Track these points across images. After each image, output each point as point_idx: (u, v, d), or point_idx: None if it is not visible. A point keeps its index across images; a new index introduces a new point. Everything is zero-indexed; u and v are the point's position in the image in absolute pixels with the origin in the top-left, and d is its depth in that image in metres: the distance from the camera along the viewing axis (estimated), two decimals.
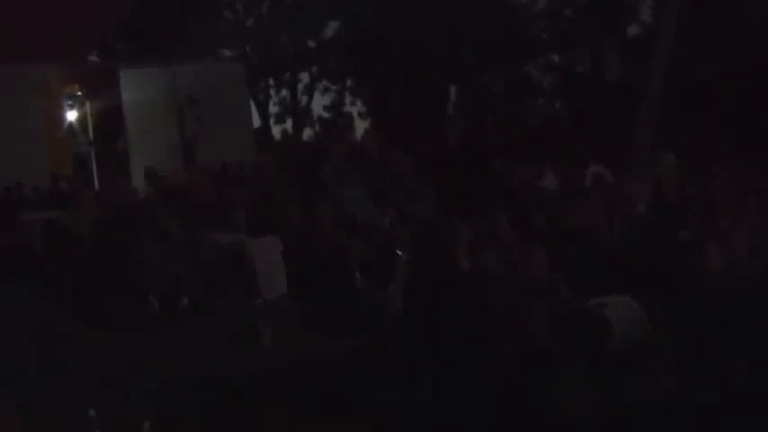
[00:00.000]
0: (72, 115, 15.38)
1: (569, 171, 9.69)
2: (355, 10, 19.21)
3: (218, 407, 4.87)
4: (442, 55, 18.92)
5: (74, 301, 6.46)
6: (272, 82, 24.55)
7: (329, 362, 5.51)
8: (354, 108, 24.85)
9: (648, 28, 18.02)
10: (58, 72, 14.34)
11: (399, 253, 6.86)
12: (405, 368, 5.07)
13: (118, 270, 7.43)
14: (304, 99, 25.01)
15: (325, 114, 25.97)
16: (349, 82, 24.08)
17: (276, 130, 25.36)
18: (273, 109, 24.99)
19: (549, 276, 5.44)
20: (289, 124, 25.51)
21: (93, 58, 18.81)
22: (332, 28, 22.71)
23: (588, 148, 12.13)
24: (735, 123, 13.69)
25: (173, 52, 18.79)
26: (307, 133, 26.01)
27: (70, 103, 15.19)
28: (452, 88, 20.70)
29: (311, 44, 23.28)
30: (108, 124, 15.31)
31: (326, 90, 24.71)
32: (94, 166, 15.53)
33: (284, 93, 24.86)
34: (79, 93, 15.19)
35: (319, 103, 26.26)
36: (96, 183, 14.90)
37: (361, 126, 25.13)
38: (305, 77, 24.51)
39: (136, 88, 14.39)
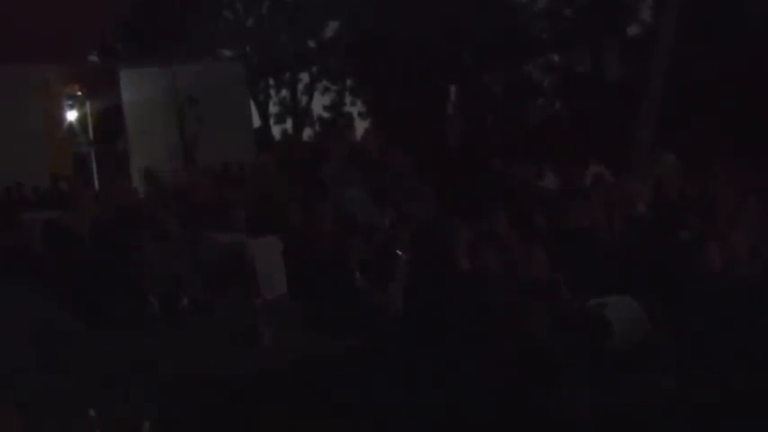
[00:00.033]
0: (72, 115, 15.37)
1: (569, 171, 9.69)
2: (355, 10, 19.20)
3: (218, 407, 4.86)
4: (441, 55, 18.92)
5: (74, 301, 6.46)
6: (272, 82, 24.55)
7: (329, 362, 5.51)
8: (354, 108, 24.88)
9: (648, 28, 18.02)
10: (58, 72, 14.34)
11: (399, 253, 6.86)
12: (405, 368, 5.07)
13: (118, 270, 7.43)
14: (304, 99, 25.03)
15: (326, 114, 25.99)
16: (349, 82, 24.08)
17: (276, 130, 25.39)
18: (273, 109, 25.02)
19: (549, 276, 5.44)
20: (289, 124, 25.54)
21: (93, 58, 18.81)
22: (332, 28, 22.73)
23: (588, 148, 12.13)
24: (735, 123, 13.69)
25: (173, 52, 18.78)
26: (307, 133, 26.04)
27: (70, 103, 15.18)
28: (452, 88, 20.69)
29: (311, 44, 23.28)
30: (108, 124, 15.31)
31: (326, 90, 24.72)
32: (94, 166, 15.52)
33: (284, 93, 24.87)
34: (79, 93, 15.19)
35: (319, 103, 26.29)
36: (96, 183, 14.90)
37: (361, 126, 25.17)
38: (305, 77, 24.54)
39: (136, 88, 14.38)
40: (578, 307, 5.26)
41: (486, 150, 13.68)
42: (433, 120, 19.72)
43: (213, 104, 14.28)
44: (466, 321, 5.05)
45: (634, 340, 5.02)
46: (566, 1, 19.92)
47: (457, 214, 7.43)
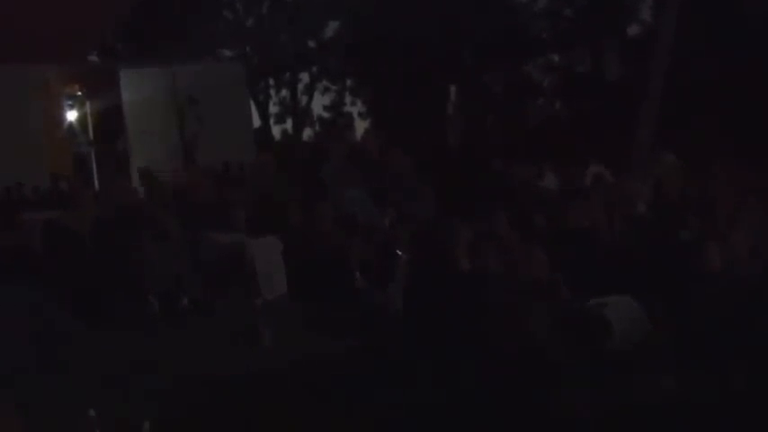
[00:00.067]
0: (72, 115, 15.36)
1: (569, 171, 9.68)
2: (355, 10, 19.21)
3: (219, 407, 4.86)
4: (442, 55, 18.92)
5: (74, 301, 6.46)
6: (272, 82, 24.54)
7: (329, 362, 5.51)
8: (354, 108, 24.88)
9: (648, 28, 18.02)
10: (58, 72, 14.33)
11: (399, 253, 6.86)
12: (405, 368, 5.07)
13: (118, 270, 7.43)
14: (304, 99, 25.03)
15: (326, 114, 25.99)
16: (349, 82, 24.08)
17: (276, 130, 25.38)
18: (273, 109, 25.01)
19: (549, 276, 5.44)
20: (289, 124, 25.53)
21: (94, 58, 18.81)
22: (332, 28, 22.72)
23: (588, 148, 12.13)
24: (735, 123, 13.69)
25: (173, 52, 18.78)
26: (307, 133, 26.04)
27: (70, 103, 15.17)
28: (452, 88, 20.69)
29: (311, 44, 23.27)
30: (108, 124, 15.30)
31: (326, 90, 24.71)
32: (94, 166, 15.52)
33: (284, 93, 24.86)
34: (79, 93, 15.18)
35: (319, 103, 26.28)
36: (96, 183, 14.89)
37: (361, 126, 25.17)
38: (305, 77, 24.54)
39: (136, 88, 14.37)
40: (578, 307, 5.26)
41: (486, 150, 13.68)
42: (433, 120, 19.71)
43: (213, 104, 14.28)
44: (466, 321, 5.05)
45: (634, 340, 5.02)
46: (566, 1, 19.91)
47: (457, 214, 7.42)
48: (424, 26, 17.86)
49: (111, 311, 7.03)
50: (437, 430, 4.39)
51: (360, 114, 24.89)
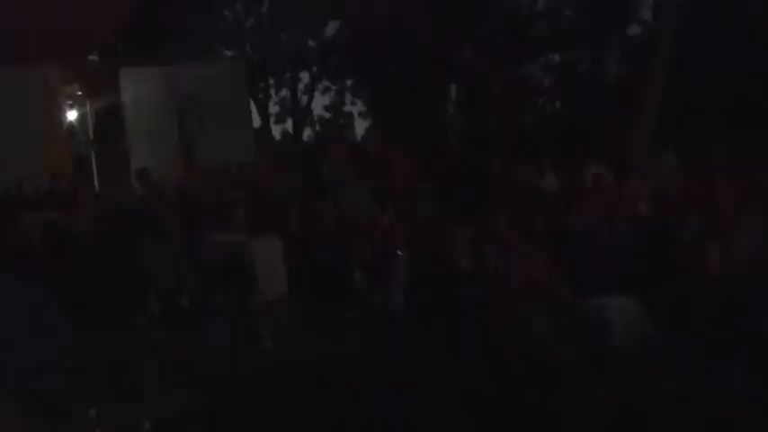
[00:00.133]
0: (72, 115, 15.35)
1: (569, 171, 9.68)
2: (355, 10, 19.21)
3: (218, 407, 4.86)
4: (442, 55, 18.91)
5: (74, 301, 6.46)
6: (272, 82, 24.53)
7: (329, 362, 5.51)
8: (354, 108, 24.86)
9: (648, 28, 18.01)
10: (58, 72, 14.32)
11: (399, 253, 6.87)
12: (405, 368, 5.08)
13: (118, 270, 7.44)
14: (304, 99, 25.01)
15: (326, 114, 25.98)
16: (349, 82, 24.06)
17: (276, 130, 25.36)
18: (273, 109, 24.98)
19: (549, 276, 5.44)
20: (289, 124, 25.51)
21: (94, 57, 18.80)
22: (332, 28, 22.72)
23: (588, 148, 12.13)
24: (735, 123, 13.69)
25: (173, 52, 18.76)
26: (307, 133, 26.02)
27: (70, 103, 15.17)
28: (452, 88, 20.68)
29: (311, 44, 23.27)
30: (108, 124, 15.29)
31: (326, 90, 24.69)
32: (94, 166, 15.51)
33: (284, 93, 24.85)
34: (79, 93, 15.17)
35: (319, 103, 26.23)
36: (96, 183, 14.89)
37: (361, 126, 25.16)
38: (305, 77, 24.52)
39: (136, 88, 14.36)
40: (578, 307, 5.26)
41: (487, 150, 13.68)
42: (433, 120, 19.70)
43: (213, 104, 14.26)
44: (466, 321, 5.05)
45: (634, 340, 5.02)
46: (566, 1, 19.90)
47: (457, 214, 7.44)
48: (424, 26, 17.86)
49: (111, 311, 7.04)
50: (437, 430, 4.38)
51: (360, 114, 24.90)
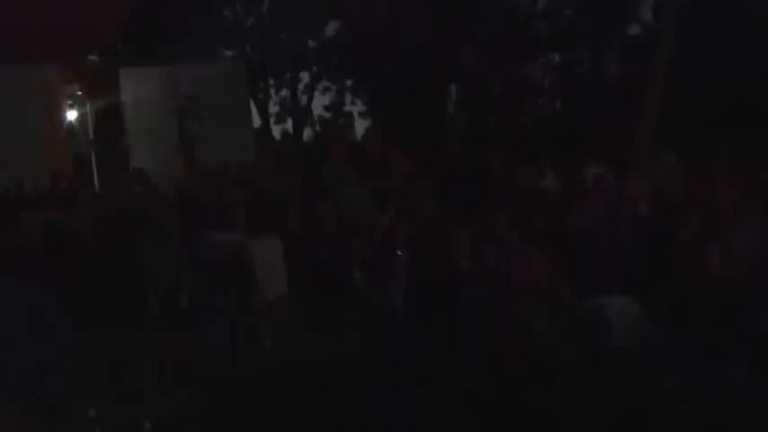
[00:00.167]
0: (72, 115, 15.35)
1: (569, 171, 9.68)
2: (355, 10, 19.20)
3: (219, 407, 4.86)
4: (441, 55, 18.91)
5: (74, 301, 6.47)
6: (272, 82, 24.53)
7: (329, 362, 5.51)
8: (354, 108, 24.86)
9: (648, 28, 18.01)
10: (58, 72, 14.32)
11: (399, 253, 6.87)
12: (405, 368, 5.08)
13: (118, 270, 7.44)
14: (304, 99, 25.01)
15: (326, 114, 25.98)
16: (349, 82, 24.06)
17: (276, 130, 25.36)
18: (273, 109, 24.98)
19: (549, 276, 5.44)
20: (289, 124, 25.51)
21: (94, 57, 18.79)
22: (332, 28, 22.72)
23: (588, 148, 12.12)
24: (735, 123, 13.69)
25: (173, 52, 18.76)
26: (307, 133, 26.02)
27: (70, 103, 15.17)
28: (452, 88, 20.67)
29: (311, 44, 23.27)
30: (108, 124, 15.29)
31: (326, 90, 24.69)
32: (94, 166, 15.51)
33: (284, 93, 24.85)
34: (79, 93, 15.17)
35: (319, 103, 26.23)
36: (96, 183, 14.89)
37: (361, 126, 25.16)
38: (305, 77, 24.52)
39: (136, 88, 14.36)
40: (578, 307, 5.26)
41: (487, 150, 13.68)
42: (433, 120, 19.70)
43: (213, 104, 14.26)
44: (466, 321, 5.05)
45: (634, 340, 5.02)
46: (566, 1, 19.90)
47: (457, 214, 7.44)
48: (424, 26, 17.86)
49: (112, 311, 7.04)
50: (437, 430, 4.38)
51: (360, 114, 24.91)
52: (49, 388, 5.06)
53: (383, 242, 7.34)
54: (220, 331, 6.18)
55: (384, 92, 21.13)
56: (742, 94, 14.68)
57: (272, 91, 24.73)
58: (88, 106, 15.46)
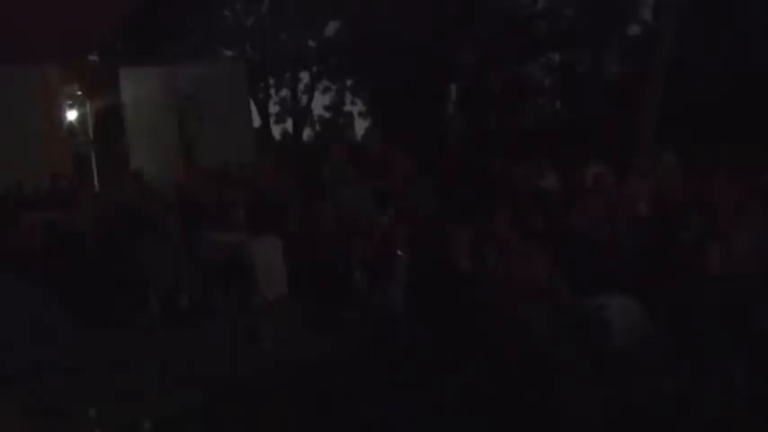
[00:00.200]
0: (72, 115, 15.36)
1: (569, 171, 9.68)
2: (355, 10, 19.20)
3: (219, 407, 4.86)
4: (441, 55, 18.91)
5: (74, 301, 6.47)
6: (272, 82, 24.53)
7: (329, 362, 5.51)
8: (354, 108, 24.87)
9: (648, 28, 18.01)
10: (58, 72, 14.32)
11: (399, 253, 6.87)
12: (405, 368, 5.08)
13: (118, 270, 7.44)
14: (304, 99, 25.01)
15: (326, 114, 25.99)
16: (349, 82, 24.06)
17: (276, 130, 25.36)
18: (273, 109, 24.98)
19: (549, 276, 5.43)
20: (289, 124, 25.51)
21: (94, 57, 18.80)
22: (332, 28, 22.72)
23: (588, 148, 12.12)
24: (735, 123, 13.69)
25: (173, 52, 18.76)
26: (307, 133, 26.02)
27: (70, 103, 15.17)
28: (452, 88, 20.68)
29: (311, 44, 23.27)
30: (108, 124, 15.29)
31: (326, 90, 24.70)
32: (94, 166, 15.51)
33: (284, 93, 24.84)
34: (79, 93, 15.17)
35: (319, 103, 26.22)
36: (96, 183, 14.89)
37: (361, 126, 25.16)
38: (305, 77, 24.52)
39: (136, 87, 14.36)
40: (578, 307, 5.26)
41: (487, 150, 13.68)
42: (433, 120, 19.70)
43: (213, 104, 14.27)
44: (466, 321, 5.05)
45: (634, 340, 5.02)
46: (566, 1, 19.90)
47: (457, 214, 7.44)
48: (424, 26, 17.86)
49: (112, 311, 7.04)
50: (437, 430, 4.39)
51: (360, 114, 24.91)
52: (49, 388, 5.06)
53: (383, 242, 7.34)
54: (220, 331, 6.17)
55: (384, 92, 21.12)
56: (742, 94, 14.68)
57: (272, 91, 24.73)
58: (88, 106, 15.46)
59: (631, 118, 12.71)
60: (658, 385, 4.51)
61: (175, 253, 7.42)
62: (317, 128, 26.60)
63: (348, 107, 25.08)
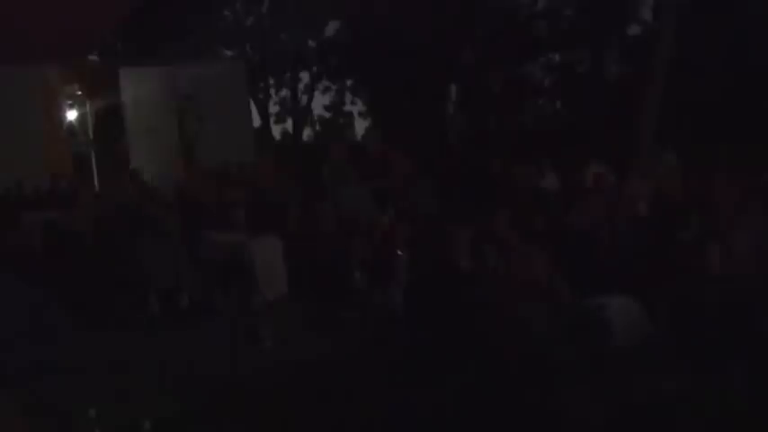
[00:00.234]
0: (72, 115, 15.35)
1: (569, 171, 9.68)
2: (355, 10, 19.20)
3: (219, 407, 4.86)
4: (442, 55, 18.92)
5: (74, 301, 6.47)
6: (272, 82, 24.52)
7: (329, 362, 5.51)
8: (354, 108, 24.86)
9: (648, 28, 18.01)
10: (58, 72, 14.32)
11: (399, 253, 6.87)
12: (405, 368, 5.08)
13: (118, 270, 7.44)
14: (304, 99, 25.00)
15: (326, 114, 25.98)
16: (349, 82, 24.06)
17: (276, 130, 25.36)
18: (273, 109, 24.98)
19: (549, 276, 5.43)
20: (289, 124, 25.51)
21: (94, 57, 18.79)
22: (332, 28, 22.72)
23: (588, 148, 12.12)
24: (735, 123, 13.69)
25: (173, 52, 18.76)
26: (307, 133, 26.01)
27: (70, 103, 15.17)
28: (452, 88, 20.68)
29: (311, 44, 23.26)
30: (108, 124, 15.29)
31: (326, 90, 24.69)
32: (94, 166, 15.51)
33: (284, 93, 24.84)
34: (79, 93, 15.17)
35: (319, 103, 26.21)
36: (96, 183, 14.89)
37: (361, 126, 25.16)
38: (305, 77, 24.52)
39: (136, 87, 14.35)
40: (578, 307, 5.26)
41: (487, 150, 13.68)
42: (433, 120, 19.70)
43: (213, 104, 14.27)
44: (466, 321, 5.05)
45: (634, 340, 5.02)
46: (566, 1, 19.90)
47: (457, 214, 7.44)
48: (424, 26, 17.86)
49: (112, 311, 7.04)
50: (437, 430, 4.38)
51: (360, 114, 24.91)
52: (49, 388, 5.06)
53: (383, 242, 7.34)
54: (220, 331, 6.18)
55: (384, 92, 21.12)
56: (742, 94, 14.68)
57: (272, 91, 24.73)
58: (88, 106, 15.45)
59: (631, 118, 12.70)
60: (658, 385, 4.51)
61: (175, 253, 7.42)
62: (317, 128, 26.60)
63: (348, 107, 25.08)
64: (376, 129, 21.55)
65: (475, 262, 5.81)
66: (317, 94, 24.76)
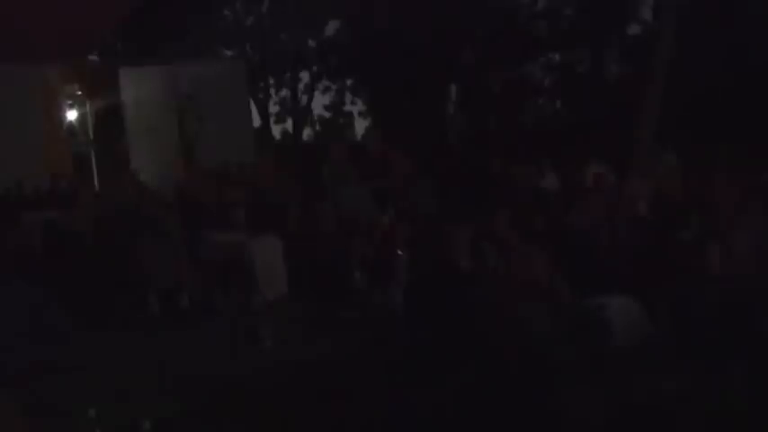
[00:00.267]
0: (72, 115, 15.35)
1: (569, 171, 9.69)
2: (355, 10, 19.21)
3: (219, 407, 4.86)
4: (441, 55, 18.92)
5: (74, 301, 6.47)
6: (272, 82, 24.52)
7: (329, 362, 5.51)
8: (355, 107, 24.86)
9: (648, 28, 18.01)
10: (59, 72, 14.32)
11: (399, 253, 6.88)
12: (405, 368, 5.07)
13: (118, 270, 7.44)
14: (304, 99, 25.00)
15: (326, 114, 25.98)
16: (349, 82, 24.05)
17: (276, 130, 25.35)
18: (273, 109, 24.97)
19: (549, 276, 5.43)
20: (289, 124, 25.50)
21: (94, 57, 18.80)
22: (332, 28, 22.72)
23: (588, 148, 12.12)
24: (735, 123, 13.69)
25: (173, 52, 18.76)
26: (307, 133, 26.01)
27: (70, 103, 15.17)
28: (452, 88, 20.68)
29: (311, 44, 23.26)
30: (108, 124, 15.29)
31: (326, 90, 24.69)
32: (94, 166, 15.51)
33: (284, 93, 24.83)
34: (79, 93, 15.17)
35: (319, 103, 26.21)
36: (96, 183, 14.89)
37: (361, 126, 25.15)
38: (305, 77, 24.51)
39: (136, 87, 14.35)
40: (578, 307, 5.26)
41: (487, 150, 13.68)
42: (433, 119, 19.70)
43: (213, 104, 14.27)
44: (466, 321, 5.05)
45: (634, 340, 5.02)
46: (566, 1, 19.91)
47: (457, 214, 7.44)
48: (424, 26, 17.86)
49: (111, 311, 7.04)
50: (437, 430, 4.38)
51: (360, 114, 24.91)
52: (49, 388, 5.06)
53: (383, 242, 7.35)
54: (220, 331, 6.18)
55: (384, 92, 21.12)
56: (742, 94, 14.68)
57: (272, 91, 24.72)
58: (88, 106, 15.45)
59: (631, 118, 12.70)
60: (658, 385, 4.51)
61: (175, 253, 7.42)
62: (317, 128, 26.59)
63: (348, 107, 25.08)
64: (376, 129, 21.55)
65: (475, 262, 5.80)
66: (317, 94, 24.77)
